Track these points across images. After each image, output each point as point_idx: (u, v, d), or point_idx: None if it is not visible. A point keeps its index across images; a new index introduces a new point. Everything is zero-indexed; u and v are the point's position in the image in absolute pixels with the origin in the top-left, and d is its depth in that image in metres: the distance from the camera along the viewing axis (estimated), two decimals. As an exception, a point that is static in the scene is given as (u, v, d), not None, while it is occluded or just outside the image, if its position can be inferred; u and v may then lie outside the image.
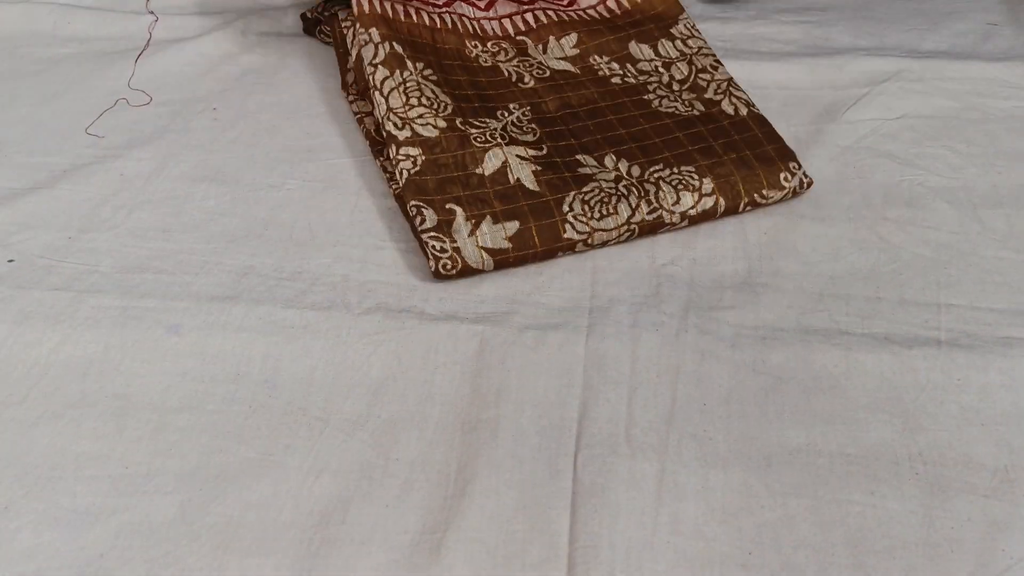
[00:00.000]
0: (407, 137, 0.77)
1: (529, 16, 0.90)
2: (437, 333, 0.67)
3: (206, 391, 0.63)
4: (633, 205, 0.73)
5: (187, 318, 0.67)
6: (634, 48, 0.89)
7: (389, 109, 0.78)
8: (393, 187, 0.79)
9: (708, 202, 0.75)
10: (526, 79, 0.85)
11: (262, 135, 0.86)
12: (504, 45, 0.89)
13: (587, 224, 0.72)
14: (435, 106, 0.79)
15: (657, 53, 0.89)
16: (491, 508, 0.57)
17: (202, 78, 0.92)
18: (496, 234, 0.71)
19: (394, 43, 0.82)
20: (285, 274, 0.72)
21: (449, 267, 0.70)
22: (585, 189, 0.74)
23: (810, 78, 0.93)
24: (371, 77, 0.80)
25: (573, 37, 0.90)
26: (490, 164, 0.75)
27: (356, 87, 0.88)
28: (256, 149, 0.84)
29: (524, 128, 0.79)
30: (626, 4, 0.92)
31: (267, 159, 0.83)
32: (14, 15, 0.98)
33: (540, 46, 0.88)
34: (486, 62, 0.86)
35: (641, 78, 0.86)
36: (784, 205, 0.78)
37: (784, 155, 0.79)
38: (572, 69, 0.87)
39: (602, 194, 0.73)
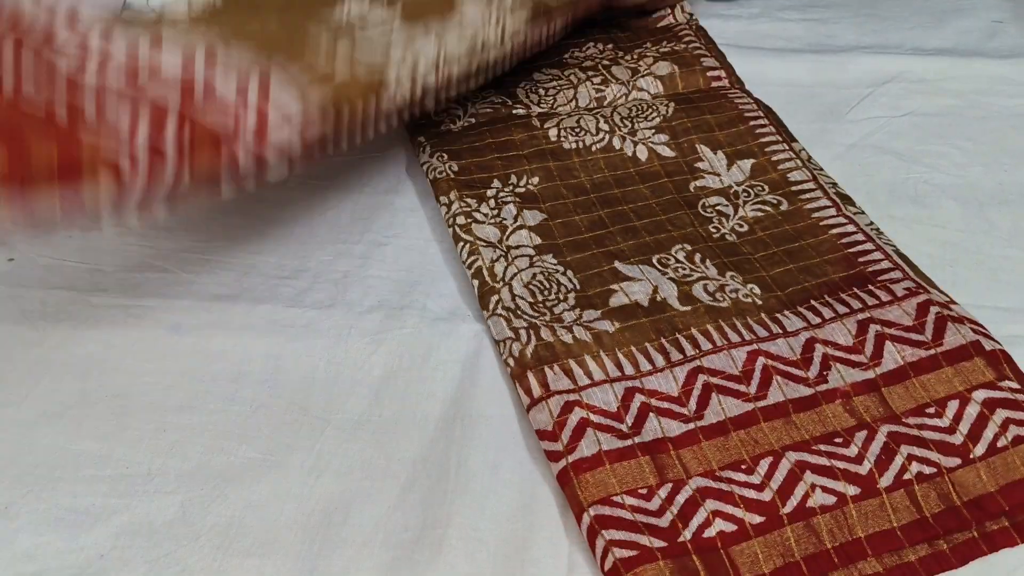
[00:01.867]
0: None
1: None
2: (439, 331, 0.67)
3: (207, 391, 0.63)
4: None
5: (188, 317, 0.67)
6: None
7: None
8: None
9: None
10: None
11: (264, 134, 0.86)
12: None
13: None
14: None
15: None
16: (492, 506, 0.57)
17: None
18: None
19: None
20: (286, 272, 0.71)
21: None
22: None
23: (814, 76, 0.93)
24: None
25: None
26: None
27: None
28: (258, 148, 0.84)
29: None
30: None
31: (269, 158, 0.83)
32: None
33: None
34: None
35: None
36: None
37: None
38: None
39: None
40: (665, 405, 0.60)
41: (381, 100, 0.67)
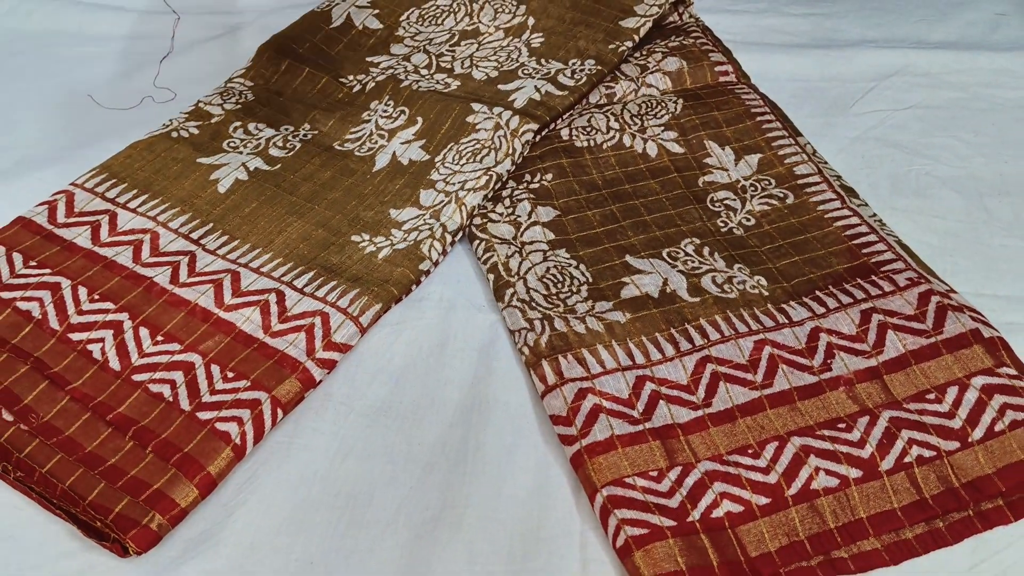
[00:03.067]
0: None
1: None
2: (456, 321, 0.69)
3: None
4: None
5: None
6: None
7: None
8: None
9: None
10: None
11: (283, 130, 0.87)
12: None
13: None
14: None
15: None
16: (508, 488, 0.59)
17: (224, 75, 0.93)
18: None
19: None
20: (308, 265, 0.73)
21: None
22: None
23: (819, 70, 0.94)
24: None
25: None
26: None
27: None
28: (278, 144, 0.85)
29: None
30: None
31: (289, 154, 0.84)
32: (41, 14, 1.00)
33: None
34: None
35: None
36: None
37: None
38: None
39: None
40: (675, 393, 0.62)
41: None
